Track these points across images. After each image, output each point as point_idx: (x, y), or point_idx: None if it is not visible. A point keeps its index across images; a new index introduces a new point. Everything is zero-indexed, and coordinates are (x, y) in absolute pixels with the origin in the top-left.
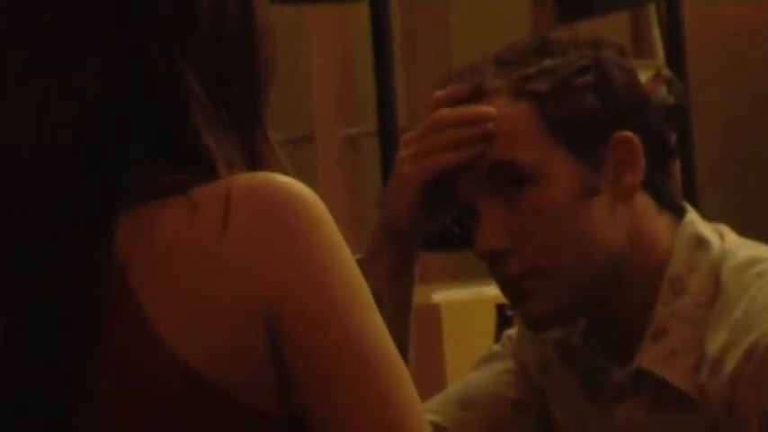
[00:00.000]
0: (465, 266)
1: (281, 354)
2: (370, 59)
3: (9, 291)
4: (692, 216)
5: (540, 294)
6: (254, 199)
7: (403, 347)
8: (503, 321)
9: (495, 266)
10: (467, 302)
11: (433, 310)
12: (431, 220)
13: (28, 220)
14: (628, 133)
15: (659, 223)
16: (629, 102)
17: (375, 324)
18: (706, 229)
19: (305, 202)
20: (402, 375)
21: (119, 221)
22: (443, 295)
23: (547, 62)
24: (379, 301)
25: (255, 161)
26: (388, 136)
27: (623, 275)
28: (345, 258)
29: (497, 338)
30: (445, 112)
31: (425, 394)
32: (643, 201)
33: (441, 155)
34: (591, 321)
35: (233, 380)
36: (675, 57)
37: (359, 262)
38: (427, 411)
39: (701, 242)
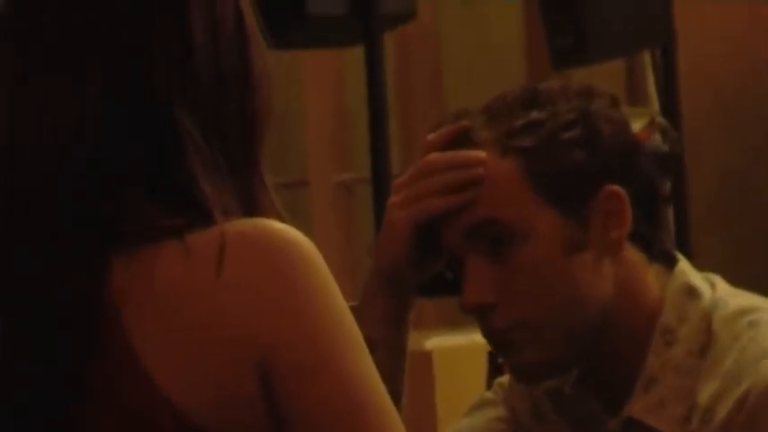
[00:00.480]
0: (457, 313)
1: (273, 397)
2: (364, 105)
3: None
4: (684, 266)
5: (526, 347)
6: (248, 245)
7: (396, 394)
8: (494, 368)
9: (482, 320)
10: (459, 349)
11: (425, 357)
12: (424, 265)
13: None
14: (615, 187)
15: (649, 275)
16: (618, 154)
17: (368, 370)
18: (697, 278)
19: (300, 250)
20: (394, 421)
21: (114, 263)
22: (435, 342)
23: (534, 114)
24: (373, 347)
25: (251, 206)
26: (381, 182)
27: (614, 327)
28: (339, 305)
29: (489, 385)
30: (435, 156)
31: None
32: (632, 253)
33: (429, 200)
34: (583, 371)
35: (224, 423)
36: (670, 105)
37: (353, 309)
38: None
39: (691, 292)
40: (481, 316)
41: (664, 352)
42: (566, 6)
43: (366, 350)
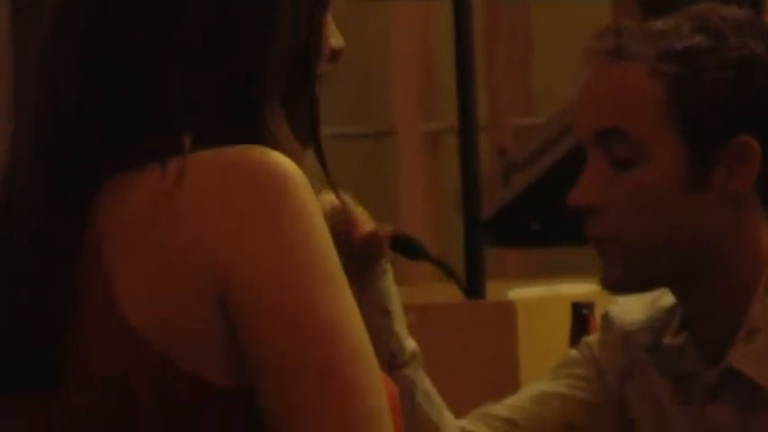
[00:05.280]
0: (542, 264)
1: (234, 325)
2: (451, 55)
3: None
4: None
5: (614, 261)
6: (211, 170)
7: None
8: (578, 320)
9: (586, 222)
10: (542, 300)
11: (509, 308)
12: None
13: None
14: (748, 138)
15: (764, 227)
16: (765, 108)
17: (338, 301)
18: None
19: (276, 172)
20: (369, 363)
21: (102, 192)
22: (519, 293)
23: (696, 41)
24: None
25: (257, 136)
26: (468, 132)
27: (721, 271)
28: (315, 236)
29: (573, 337)
30: None
31: (498, 390)
32: (753, 203)
33: None
34: (687, 313)
35: (180, 347)
36: None
37: None
38: (498, 407)
39: None
40: (585, 218)
41: (766, 299)
42: None
43: (347, 291)
